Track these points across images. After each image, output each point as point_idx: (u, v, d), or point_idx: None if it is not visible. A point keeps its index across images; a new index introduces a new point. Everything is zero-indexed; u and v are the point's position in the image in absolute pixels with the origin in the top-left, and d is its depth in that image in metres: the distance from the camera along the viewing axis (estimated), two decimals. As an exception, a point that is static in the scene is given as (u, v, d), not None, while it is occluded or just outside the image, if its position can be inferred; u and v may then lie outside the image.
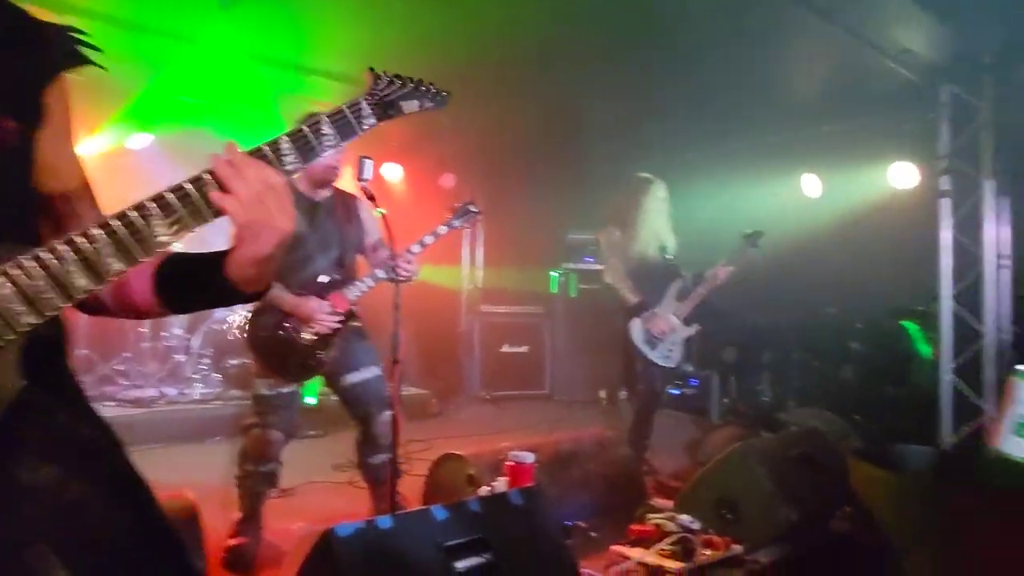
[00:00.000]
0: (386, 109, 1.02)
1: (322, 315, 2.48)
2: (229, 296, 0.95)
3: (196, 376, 4.82)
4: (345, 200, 2.69)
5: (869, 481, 2.33)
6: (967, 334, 4.06)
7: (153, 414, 4.31)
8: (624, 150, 5.53)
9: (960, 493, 2.24)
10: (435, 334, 6.42)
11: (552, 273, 6.57)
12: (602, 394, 6.15)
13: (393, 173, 6.36)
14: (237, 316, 4.87)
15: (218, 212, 0.89)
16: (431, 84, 1.10)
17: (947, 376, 4.09)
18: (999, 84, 3.97)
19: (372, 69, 1.03)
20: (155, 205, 0.86)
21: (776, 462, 2.53)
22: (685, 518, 2.44)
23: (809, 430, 3.06)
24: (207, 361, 4.82)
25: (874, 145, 4.88)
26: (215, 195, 0.88)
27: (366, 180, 2.33)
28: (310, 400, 4.48)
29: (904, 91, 4.26)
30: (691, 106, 4.80)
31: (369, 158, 2.30)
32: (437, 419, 5.27)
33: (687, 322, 3.79)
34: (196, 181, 0.88)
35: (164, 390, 4.65)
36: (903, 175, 4.82)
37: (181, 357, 4.87)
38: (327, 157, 2.52)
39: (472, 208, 2.71)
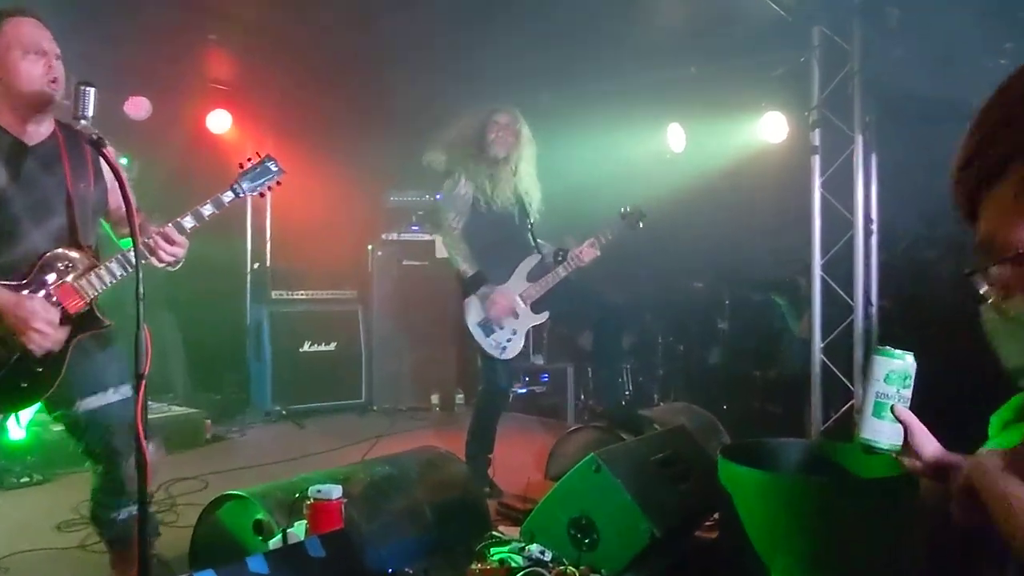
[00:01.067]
0: None
1: (45, 319, 2.21)
2: None
3: None
4: (77, 142, 2.36)
5: (737, 482, 2.56)
6: (837, 308, 4.63)
7: None
8: (461, 87, 5.54)
9: (829, 487, 2.52)
10: (210, 331, 6.15)
11: (368, 247, 6.47)
12: (434, 399, 6.21)
13: (140, 110, 5.83)
14: None
15: None
16: None
17: (817, 356, 4.64)
18: (868, 28, 4.51)
19: None
20: None
21: (637, 470, 2.70)
22: (535, 548, 2.55)
23: (674, 429, 3.33)
24: None
25: (743, 91, 5.33)
26: None
27: (87, 117, 2.08)
28: (17, 434, 4.04)
29: (776, 30, 4.68)
30: (540, 35, 4.90)
31: (90, 85, 2.06)
32: (214, 447, 5.04)
33: (536, 307, 3.91)
34: None
35: None
36: (773, 127, 5.33)
37: None
38: (36, 69, 2.24)
39: (272, 166, 2.59)
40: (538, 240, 4.02)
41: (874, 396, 1.38)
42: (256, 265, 6.80)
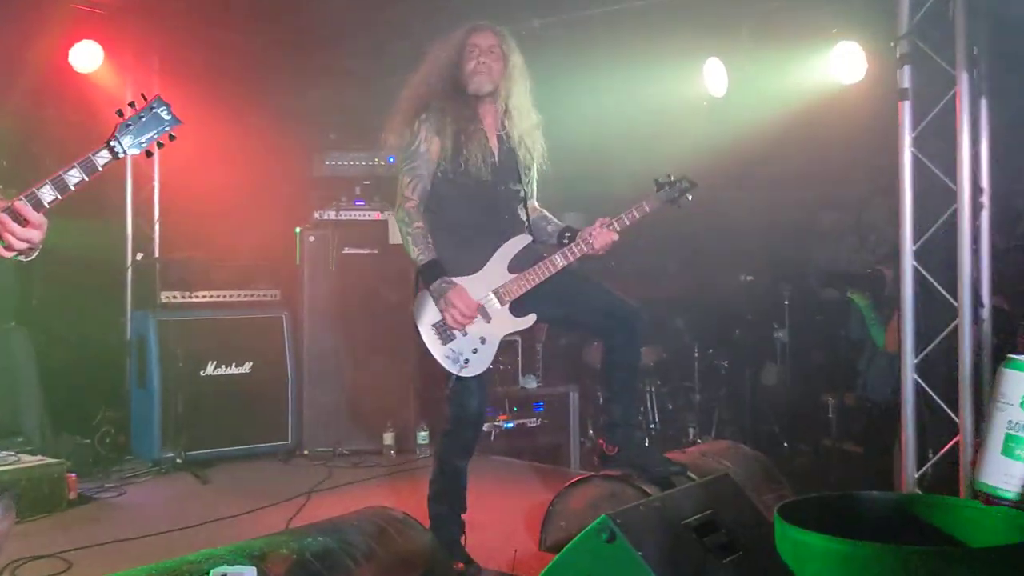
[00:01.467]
0: None
1: None
2: None
3: None
4: None
5: (802, 552, 2.56)
6: (936, 310, 4.61)
7: None
8: (418, 7, 5.50)
9: (930, 559, 2.51)
10: (75, 350, 6.15)
11: (295, 230, 6.46)
12: (388, 438, 6.19)
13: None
14: None
15: None
16: None
17: (910, 377, 4.62)
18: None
19: None
20: None
21: (665, 538, 2.70)
22: (524, 647, 2.53)
23: (715, 480, 3.33)
24: None
25: (806, 14, 5.34)
26: None
27: None
28: None
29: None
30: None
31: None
32: (81, 512, 4.99)
33: (519, 309, 3.88)
34: None
35: None
36: (847, 63, 5.31)
37: None
38: None
39: (164, 113, 2.59)
40: (532, 215, 4.00)
41: (1004, 427, 1.35)
42: (139, 256, 6.74)
